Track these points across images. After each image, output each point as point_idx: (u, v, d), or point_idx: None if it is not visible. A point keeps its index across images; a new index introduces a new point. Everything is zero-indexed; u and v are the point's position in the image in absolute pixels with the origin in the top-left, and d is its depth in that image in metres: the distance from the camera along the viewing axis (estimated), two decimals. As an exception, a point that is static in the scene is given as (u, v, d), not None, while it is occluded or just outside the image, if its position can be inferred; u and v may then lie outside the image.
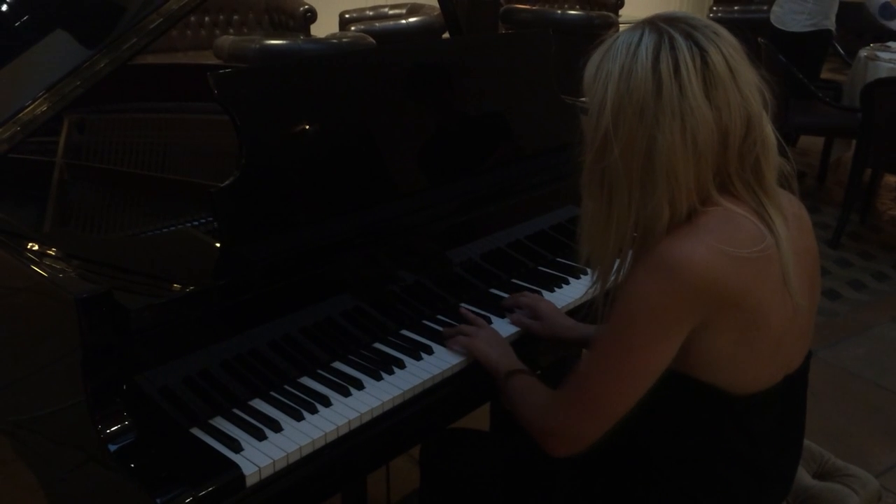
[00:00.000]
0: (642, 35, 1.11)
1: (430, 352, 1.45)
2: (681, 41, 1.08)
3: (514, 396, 1.33)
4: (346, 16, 6.28)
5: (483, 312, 1.59)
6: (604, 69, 1.13)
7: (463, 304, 1.62)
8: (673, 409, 1.18)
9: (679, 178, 1.09)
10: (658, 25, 1.11)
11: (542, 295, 1.65)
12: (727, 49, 1.10)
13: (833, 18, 4.70)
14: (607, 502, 1.34)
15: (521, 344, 1.51)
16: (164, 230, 1.57)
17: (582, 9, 6.72)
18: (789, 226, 1.15)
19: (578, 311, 1.61)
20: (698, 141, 1.08)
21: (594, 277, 1.24)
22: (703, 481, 1.23)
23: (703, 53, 1.08)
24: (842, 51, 5.36)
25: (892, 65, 4.25)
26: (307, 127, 1.47)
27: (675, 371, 1.14)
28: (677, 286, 1.07)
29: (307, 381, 1.37)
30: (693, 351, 1.12)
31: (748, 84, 1.11)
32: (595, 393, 1.17)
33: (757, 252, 1.09)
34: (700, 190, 1.11)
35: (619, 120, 1.10)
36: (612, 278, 1.23)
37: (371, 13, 6.40)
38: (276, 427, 1.25)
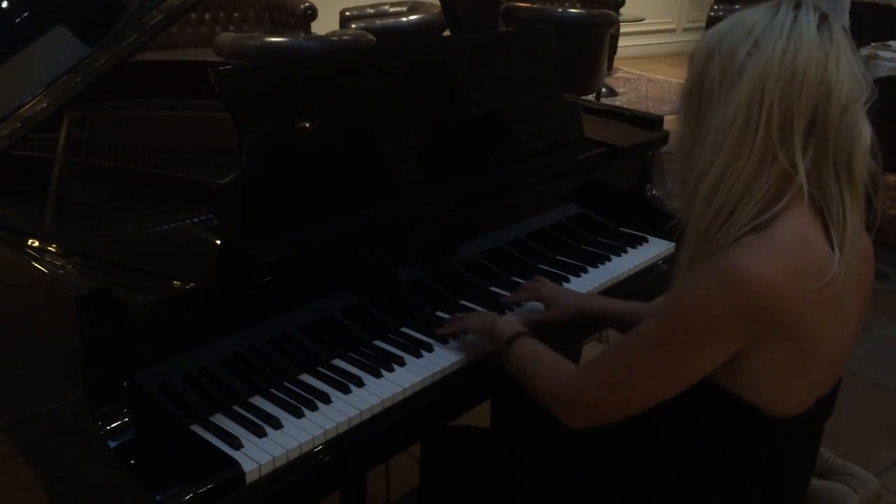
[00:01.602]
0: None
1: (430, 349, 1.45)
2: (807, 1, 1.09)
3: (523, 362, 1.30)
4: (347, 13, 6.27)
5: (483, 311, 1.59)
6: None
7: (463, 302, 1.62)
8: (708, 420, 1.16)
9: (765, 97, 1.05)
10: None
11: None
12: (848, 34, 1.10)
13: (847, 17, 4.67)
14: (613, 502, 1.33)
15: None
16: (164, 227, 1.57)
17: (582, 7, 6.71)
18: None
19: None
20: (797, 65, 1.05)
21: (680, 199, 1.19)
22: (722, 493, 1.21)
23: (826, 15, 1.09)
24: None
25: (892, 63, 4.25)
26: (307, 124, 1.47)
27: (720, 385, 1.11)
28: (741, 301, 1.04)
29: (307, 378, 1.37)
30: (741, 368, 1.09)
31: (859, 66, 1.10)
32: (625, 379, 1.15)
33: (825, 284, 1.05)
34: (785, 135, 1.06)
35: (726, 38, 1.10)
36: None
37: (371, 11, 6.39)
38: (277, 424, 1.25)
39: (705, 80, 1.11)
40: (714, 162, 1.09)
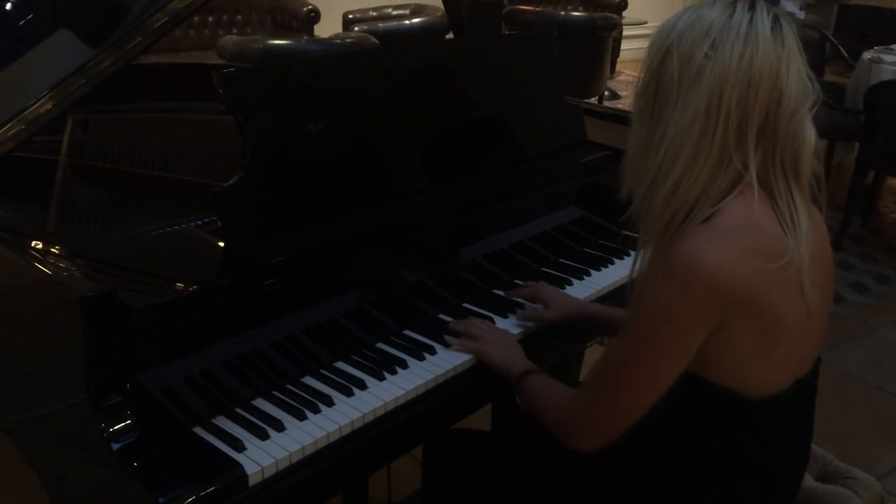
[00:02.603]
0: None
1: (432, 352, 1.45)
2: (761, 2, 1.11)
3: (532, 397, 1.34)
4: (350, 16, 6.28)
5: (486, 313, 1.59)
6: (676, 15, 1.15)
7: (465, 304, 1.62)
8: (686, 410, 1.18)
9: (722, 102, 1.07)
10: None
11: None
12: (797, 35, 1.12)
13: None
14: (611, 503, 1.34)
15: (526, 343, 1.51)
16: (168, 229, 1.57)
17: (585, 10, 6.72)
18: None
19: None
20: (753, 71, 1.07)
21: (634, 208, 1.20)
22: (712, 484, 1.22)
23: (777, 16, 1.11)
24: (845, 53, 5.36)
25: (895, 67, 4.24)
26: (311, 127, 1.47)
27: (690, 373, 1.14)
28: (696, 290, 1.07)
29: (310, 380, 1.37)
30: (709, 354, 1.12)
31: (806, 69, 1.12)
32: (615, 391, 1.19)
33: (777, 265, 1.08)
34: (740, 138, 1.09)
35: (684, 37, 1.11)
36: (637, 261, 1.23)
37: (374, 14, 6.39)
38: (279, 426, 1.25)
39: (661, 80, 1.13)
40: (673, 166, 1.11)
